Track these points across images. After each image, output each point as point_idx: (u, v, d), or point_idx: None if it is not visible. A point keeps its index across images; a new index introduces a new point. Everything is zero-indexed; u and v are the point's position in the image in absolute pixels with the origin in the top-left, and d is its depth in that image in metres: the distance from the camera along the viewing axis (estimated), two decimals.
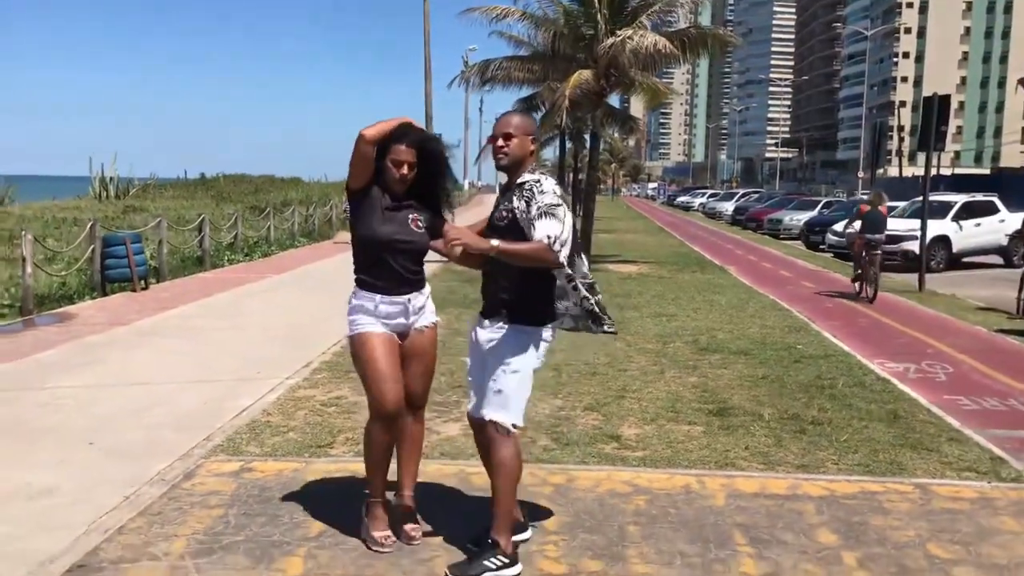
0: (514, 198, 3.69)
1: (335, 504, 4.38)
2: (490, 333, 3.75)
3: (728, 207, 42.87)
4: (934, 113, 14.26)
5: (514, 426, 3.69)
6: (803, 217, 30.28)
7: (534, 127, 3.92)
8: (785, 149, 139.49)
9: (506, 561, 3.61)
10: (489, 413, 3.69)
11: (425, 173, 3.96)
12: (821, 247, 24.74)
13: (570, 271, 3.69)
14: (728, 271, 17.44)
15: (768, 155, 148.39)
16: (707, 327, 10.19)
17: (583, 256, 3.98)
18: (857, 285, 13.70)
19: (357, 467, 4.99)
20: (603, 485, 4.76)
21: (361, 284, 3.94)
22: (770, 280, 16.01)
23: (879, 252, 13.34)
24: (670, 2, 17.16)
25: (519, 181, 3.71)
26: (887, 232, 18.17)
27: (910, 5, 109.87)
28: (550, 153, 53.39)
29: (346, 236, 19.95)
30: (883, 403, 6.74)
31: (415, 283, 3.99)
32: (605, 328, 3.90)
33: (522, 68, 17.73)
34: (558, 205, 3.60)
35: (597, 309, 3.83)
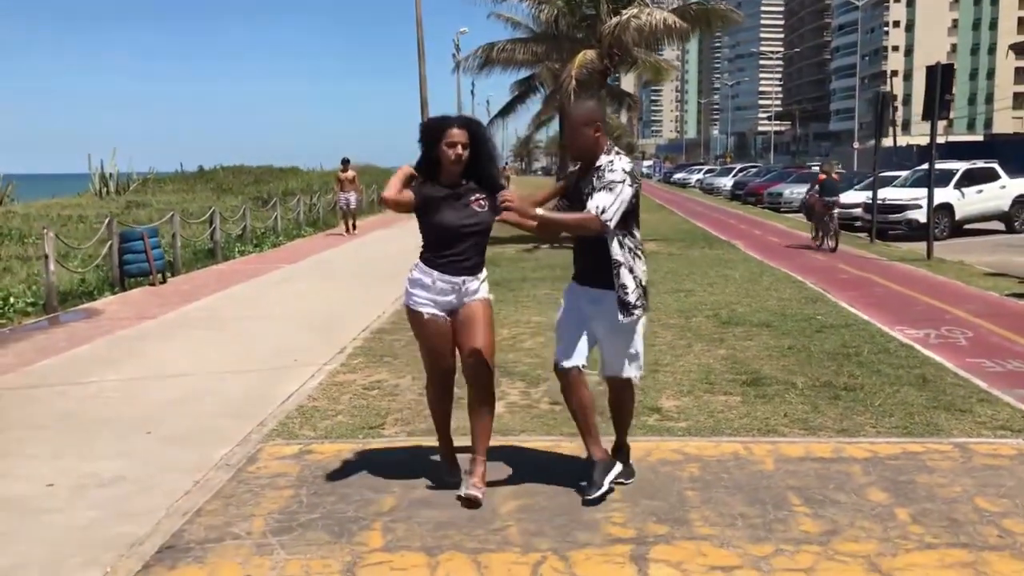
0: (594, 179, 4.06)
1: (400, 480, 4.54)
2: (601, 298, 4.15)
3: (726, 182, 42.97)
4: (938, 82, 14.38)
5: None
6: (803, 189, 30.37)
7: (596, 114, 4.20)
8: (778, 122, 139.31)
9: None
10: (629, 372, 4.33)
11: (476, 154, 4.22)
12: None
13: (633, 239, 4.16)
14: (736, 246, 17.59)
15: (761, 129, 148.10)
16: (726, 301, 10.35)
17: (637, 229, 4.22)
18: (817, 241, 17.28)
19: (413, 444, 5.19)
20: (653, 454, 4.92)
21: (425, 260, 4.30)
22: (779, 253, 16.16)
23: (835, 210, 17.05)
24: None
25: (596, 164, 4.09)
26: (889, 202, 18.81)
27: None
28: (545, 135, 53.33)
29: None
30: (910, 368, 6.90)
31: (473, 268, 4.30)
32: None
33: (526, 50, 17.81)
34: (620, 181, 4.04)
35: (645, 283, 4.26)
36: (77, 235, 16.16)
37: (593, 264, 4.17)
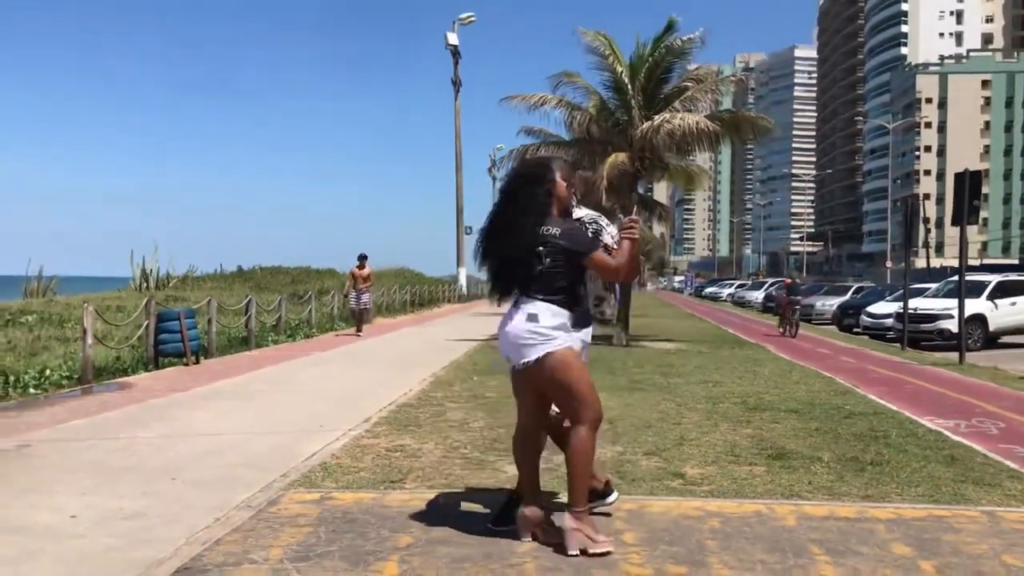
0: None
1: (420, 523, 4.54)
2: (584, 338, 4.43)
3: (758, 295, 43.06)
4: (966, 188, 14.54)
5: None
6: (835, 302, 30.43)
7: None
8: (810, 243, 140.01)
9: None
10: None
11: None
12: (855, 329, 24.80)
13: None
14: (766, 348, 17.53)
15: (793, 249, 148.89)
16: (754, 391, 10.30)
17: None
18: (782, 329, 22.67)
19: (433, 495, 5.20)
20: (674, 511, 4.88)
21: (561, 303, 4.19)
22: (809, 355, 16.08)
23: (798, 306, 22.88)
24: (699, 90, 17.80)
25: (577, 216, 4.65)
26: (921, 312, 19.04)
27: (929, 100, 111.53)
28: None
29: (382, 321, 20.28)
30: (938, 449, 6.81)
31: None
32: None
33: (559, 152, 18.29)
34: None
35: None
36: (115, 321, 16.51)
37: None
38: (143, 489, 5.37)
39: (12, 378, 10.50)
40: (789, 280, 24.04)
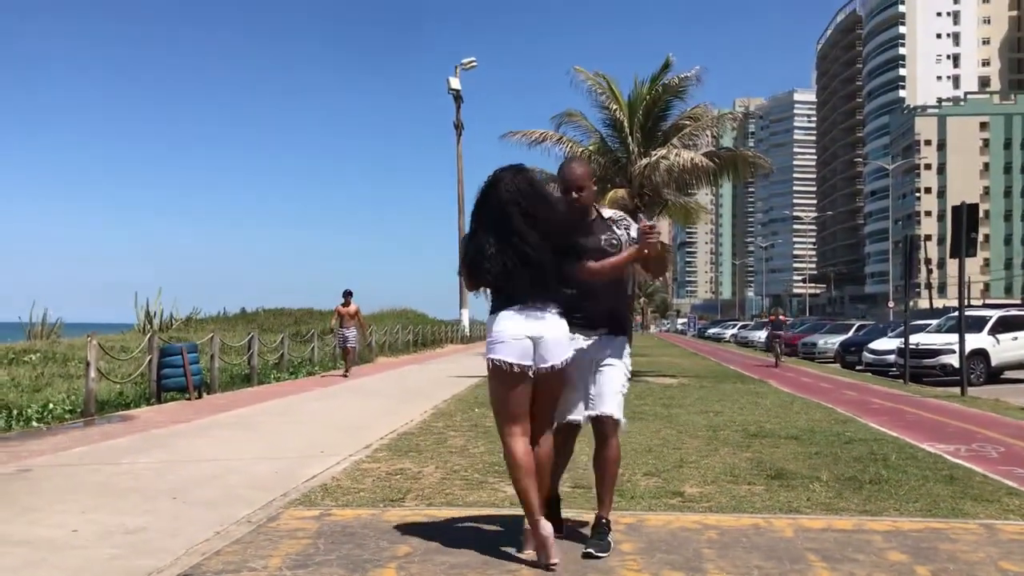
0: (616, 228, 4.41)
1: (418, 536, 4.57)
2: (596, 343, 4.36)
3: (760, 335, 42.94)
4: (963, 220, 14.65)
5: None
6: (837, 340, 30.39)
7: (591, 170, 4.70)
8: (813, 285, 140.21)
9: None
10: (615, 411, 4.33)
11: None
12: (858, 367, 24.78)
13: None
14: (768, 383, 17.53)
15: (796, 291, 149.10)
16: (755, 420, 10.31)
17: None
18: (773, 359, 25.83)
19: (432, 513, 5.23)
20: (673, 524, 4.90)
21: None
22: (811, 389, 16.07)
23: (781, 339, 26.48)
24: (697, 127, 18.03)
25: (606, 215, 4.46)
26: (923, 347, 19.09)
27: (928, 142, 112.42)
28: None
29: (385, 360, 20.24)
30: (938, 470, 6.82)
31: None
32: None
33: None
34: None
35: None
36: (118, 360, 16.56)
37: (593, 309, 4.36)
38: (144, 508, 5.40)
39: (15, 412, 10.54)
40: (773, 317, 28.02)
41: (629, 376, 4.45)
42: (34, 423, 10.23)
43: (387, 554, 4.22)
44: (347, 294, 18.89)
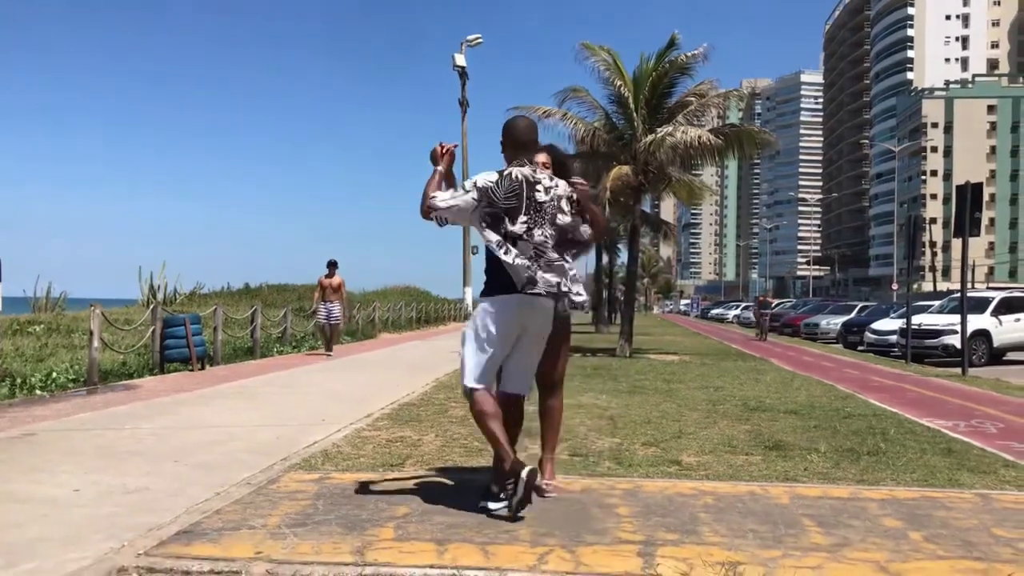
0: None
1: (417, 496, 4.61)
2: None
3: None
4: (967, 200, 14.61)
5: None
6: (839, 320, 30.41)
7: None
8: (817, 267, 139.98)
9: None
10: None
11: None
12: (860, 347, 24.80)
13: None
14: (770, 361, 17.56)
15: (800, 273, 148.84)
16: (754, 395, 10.34)
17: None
18: (756, 336, 29.84)
19: (431, 475, 5.27)
20: (670, 490, 4.94)
21: None
22: (812, 367, 16.10)
23: (767, 316, 30.58)
24: (704, 104, 17.96)
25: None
26: (925, 327, 19.06)
27: (935, 125, 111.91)
28: (579, 267, 54.14)
29: (388, 335, 20.13)
30: (935, 444, 6.85)
31: None
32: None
33: None
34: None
35: None
36: (122, 331, 16.61)
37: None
38: (146, 470, 5.45)
39: (19, 380, 10.60)
40: (762, 298, 32.64)
41: (466, 336, 4.46)
42: (38, 391, 10.28)
43: (386, 514, 4.26)
44: (331, 264, 17.04)
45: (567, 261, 4.55)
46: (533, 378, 4.65)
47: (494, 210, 4.34)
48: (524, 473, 4.09)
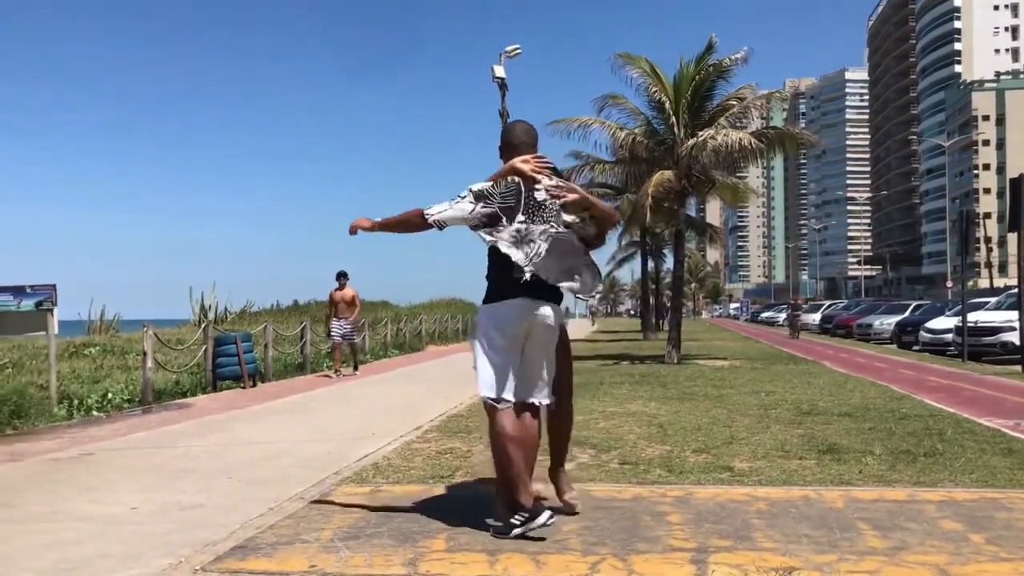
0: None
1: (468, 507, 4.62)
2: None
3: (815, 317, 42.34)
4: (1021, 193, 14.26)
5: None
6: (893, 320, 29.82)
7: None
8: (868, 267, 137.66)
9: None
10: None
11: None
12: (915, 347, 24.30)
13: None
14: (822, 363, 17.29)
15: (851, 273, 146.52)
16: (807, 399, 10.19)
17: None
18: (791, 335, 32.95)
19: (482, 487, 5.28)
20: (721, 496, 4.89)
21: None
22: (866, 369, 15.82)
23: (800, 317, 35.84)
24: (745, 107, 17.80)
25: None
26: (982, 325, 18.62)
27: (986, 118, 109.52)
28: (627, 274, 53.67)
29: (435, 348, 20.17)
30: (995, 444, 6.69)
31: None
32: None
33: (605, 173, 18.39)
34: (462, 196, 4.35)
35: None
36: (175, 351, 16.93)
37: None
38: (200, 487, 5.54)
39: (76, 401, 10.83)
40: (794, 301, 38.63)
41: (474, 348, 4.42)
42: (94, 412, 10.50)
43: (436, 526, 4.28)
44: (341, 275, 15.61)
45: (573, 259, 4.42)
46: (548, 387, 4.49)
47: (491, 210, 4.29)
48: (543, 518, 4.00)
